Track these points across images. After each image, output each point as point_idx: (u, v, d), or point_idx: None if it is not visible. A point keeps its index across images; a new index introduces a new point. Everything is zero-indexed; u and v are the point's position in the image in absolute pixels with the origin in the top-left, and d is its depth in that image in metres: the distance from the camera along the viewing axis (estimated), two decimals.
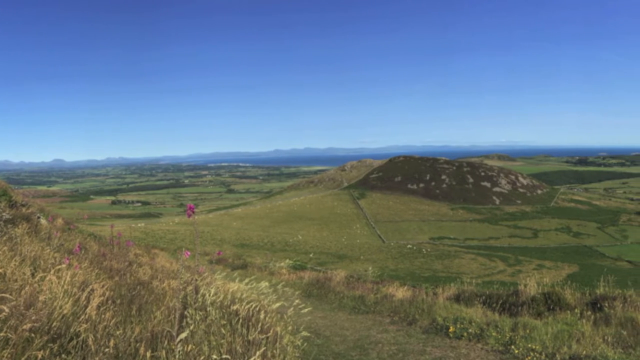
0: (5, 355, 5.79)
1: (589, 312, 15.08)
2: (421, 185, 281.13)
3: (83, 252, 13.86)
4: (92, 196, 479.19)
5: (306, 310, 11.96)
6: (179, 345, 6.95)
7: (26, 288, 7.33)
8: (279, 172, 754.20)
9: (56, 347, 6.26)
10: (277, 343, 8.59)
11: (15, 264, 8.65)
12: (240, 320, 8.53)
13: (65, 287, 7.80)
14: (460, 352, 12.54)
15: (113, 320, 7.33)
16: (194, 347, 7.17)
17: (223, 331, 8.01)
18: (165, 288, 11.15)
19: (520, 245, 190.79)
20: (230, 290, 10.65)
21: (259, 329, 8.39)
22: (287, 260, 42.80)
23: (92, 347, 6.40)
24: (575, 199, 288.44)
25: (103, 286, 8.63)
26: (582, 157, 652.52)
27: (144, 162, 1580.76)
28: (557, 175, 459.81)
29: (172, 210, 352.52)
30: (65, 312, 7.02)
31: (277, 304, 10.49)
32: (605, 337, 12.63)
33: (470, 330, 13.86)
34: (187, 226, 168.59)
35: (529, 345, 12.22)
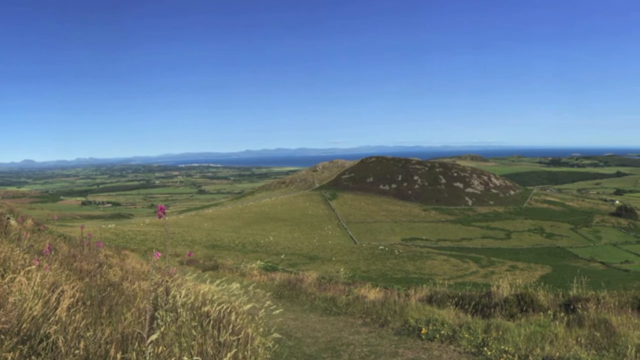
0: None
1: (562, 314, 15.19)
2: (393, 185, 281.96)
3: (53, 253, 13.81)
4: (62, 197, 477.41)
5: (277, 311, 12.01)
6: (149, 347, 6.98)
7: None
8: (250, 172, 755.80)
9: (26, 349, 6.27)
10: (249, 345, 8.64)
11: None
12: (211, 322, 8.57)
13: (35, 288, 7.80)
14: (433, 354, 12.62)
15: (83, 322, 7.34)
16: (164, 348, 7.20)
17: (194, 333, 8.05)
18: (136, 289, 11.15)
19: (493, 247, 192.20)
20: (201, 291, 10.69)
21: (230, 330, 8.45)
22: (259, 262, 42.69)
23: (62, 348, 6.42)
24: (548, 199, 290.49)
25: (73, 287, 8.63)
26: (555, 158, 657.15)
27: (114, 162, 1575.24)
28: (530, 175, 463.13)
29: (143, 211, 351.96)
30: (35, 313, 7.03)
31: (249, 306, 10.54)
32: (579, 339, 12.75)
33: (442, 332, 13.94)
34: (157, 227, 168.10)
35: (502, 347, 12.31)
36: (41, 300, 7.51)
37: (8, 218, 19.65)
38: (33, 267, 8.74)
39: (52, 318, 7.14)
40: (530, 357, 11.65)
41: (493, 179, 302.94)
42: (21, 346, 6.25)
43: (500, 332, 13.34)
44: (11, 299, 7.16)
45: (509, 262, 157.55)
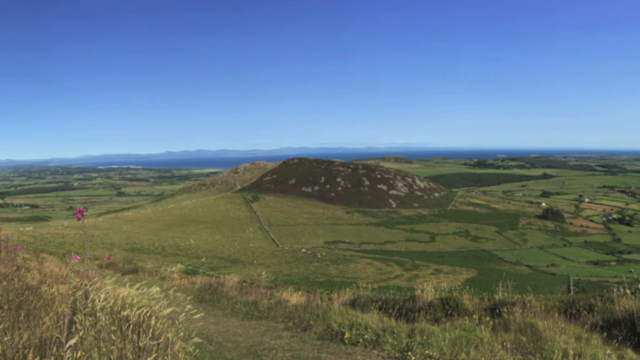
0: None
1: (488, 318, 15.50)
2: (316, 188, 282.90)
3: None
4: None
5: (198, 315, 12.04)
6: (68, 352, 6.99)
7: None
8: (171, 174, 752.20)
9: None
10: (169, 349, 8.69)
11: None
12: (131, 326, 8.59)
13: None
14: (356, 359, 12.81)
15: (0, 326, 7.32)
16: (83, 353, 7.22)
17: (113, 337, 8.07)
18: (55, 293, 11.08)
19: (417, 250, 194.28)
20: (121, 295, 10.67)
21: (150, 335, 8.48)
22: (179, 265, 42.58)
23: None
24: (473, 202, 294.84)
25: None
26: (481, 159, 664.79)
27: (32, 164, 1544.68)
28: (455, 177, 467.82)
29: (62, 214, 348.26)
30: None
31: (169, 310, 10.56)
32: (504, 343, 13.05)
33: (366, 337, 14.12)
34: (76, 230, 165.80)
35: (426, 352, 12.53)
36: None
37: None
38: None
39: None
40: None
41: (417, 181, 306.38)
42: None
43: (425, 337, 13.55)
44: None
45: (434, 265, 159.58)
